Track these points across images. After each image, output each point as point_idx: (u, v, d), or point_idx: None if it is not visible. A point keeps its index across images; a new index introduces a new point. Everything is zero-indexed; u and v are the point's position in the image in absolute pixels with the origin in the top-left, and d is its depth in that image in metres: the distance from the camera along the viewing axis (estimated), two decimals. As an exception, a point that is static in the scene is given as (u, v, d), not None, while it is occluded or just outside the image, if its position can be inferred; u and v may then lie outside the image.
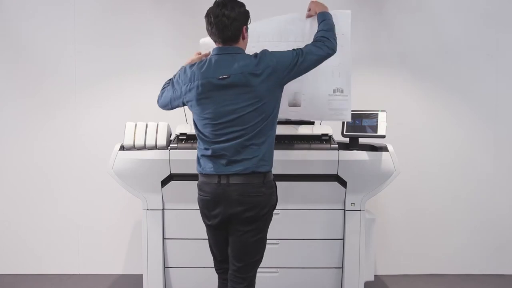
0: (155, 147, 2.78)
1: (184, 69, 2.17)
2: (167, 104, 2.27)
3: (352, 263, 2.85)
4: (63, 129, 3.60)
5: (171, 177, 2.77)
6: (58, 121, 3.60)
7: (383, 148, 2.77)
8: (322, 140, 2.82)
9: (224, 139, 2.06)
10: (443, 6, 3.55)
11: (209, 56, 2.14)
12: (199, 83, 2.07)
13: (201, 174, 2.15)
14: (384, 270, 3.62)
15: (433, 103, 3.60)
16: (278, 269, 2.89)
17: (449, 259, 3.64)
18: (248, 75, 2.02)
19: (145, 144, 2.78)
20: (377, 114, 2.76)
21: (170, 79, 2.29)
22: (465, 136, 3.60)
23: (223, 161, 2.06)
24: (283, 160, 2.69)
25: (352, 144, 2.82)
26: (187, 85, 2.12)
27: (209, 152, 2.09)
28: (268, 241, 2.73)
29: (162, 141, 2.78)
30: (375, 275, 3.44)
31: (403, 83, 3.60)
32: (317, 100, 2.49)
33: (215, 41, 2.13)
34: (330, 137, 2.85)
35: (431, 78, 3.58)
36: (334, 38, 2.24)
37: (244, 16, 2.11)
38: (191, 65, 2.15)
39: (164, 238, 2.86)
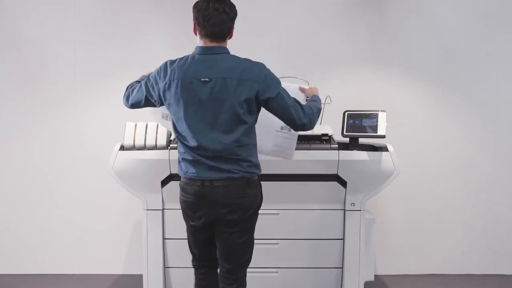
0: (155, 147, 2.78)
1: (164, 66, 2.06)
2: (139, 102, 2.17)
3: (352, 263, 2.85)
4: (63, 129, 3.60)
5: (171, 177, 2.77)
6: (58, 121, 3.60)
7: (383, 148, 2.77)
8: (322, 140, 2.82)
9: (199, 144, 1.98)
10: (444, 6, 3.55)
11: (191, 54, 2.05)
12: (178, 82, 1.98)
13: (184, 177, 2.09)
14: (384, 270, 3.62)
15: (433, 103, 3.60)
16: (278, 269, 2.89)
17: (449, 259, 3.64)
18: (232, 80, 1.95)
19: (145, 144, 2.78)
20: (377, 114, 2.76)
21: (137, 80, 2.24)
22: (465, 136, 3.60)
23: (206, 166, 2.01)
24: (283, 160, 2.69)
25: (352, 144, 2.82)
26: (167, 83, 2.02)
27: (190, 157, 2.02)
28: (268, 241, 2.74)
29: (162, 141, 2.78)
30: (375, 275, 3.44)
31: (403, 83, 3.60)
32: (263, 133, 2.35)
33: (202, 36, 2.03)
34: (330, 137, 2.85)
35: (431, 78, 3.58)
36: (315, 117, 2.14)
37: (234, 14, 2.07)
38: (172, 62, 2.05)
39: (164, 238, 2.86)
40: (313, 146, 2.74)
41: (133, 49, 3.56)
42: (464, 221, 3.63)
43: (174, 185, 2.78)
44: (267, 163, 2.70)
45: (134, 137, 2.80)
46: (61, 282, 3.49)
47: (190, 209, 2.09)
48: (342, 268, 2.87)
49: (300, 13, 3.58)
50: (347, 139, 2.87)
